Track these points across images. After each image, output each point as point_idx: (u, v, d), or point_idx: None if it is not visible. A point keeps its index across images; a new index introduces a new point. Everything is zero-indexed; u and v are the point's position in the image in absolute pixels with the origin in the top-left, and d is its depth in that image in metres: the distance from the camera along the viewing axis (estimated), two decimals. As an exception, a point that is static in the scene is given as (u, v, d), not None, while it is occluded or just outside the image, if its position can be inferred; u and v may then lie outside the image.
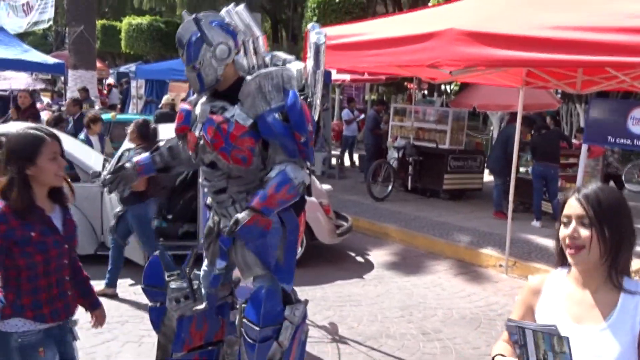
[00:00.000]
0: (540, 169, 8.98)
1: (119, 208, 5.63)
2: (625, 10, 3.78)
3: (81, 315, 2.72)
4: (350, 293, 6.07)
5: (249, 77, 3.14)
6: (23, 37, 17.36)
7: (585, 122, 5.23)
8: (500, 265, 7.09)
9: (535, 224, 8.93)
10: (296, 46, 19.54)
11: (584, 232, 1.80)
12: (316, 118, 3.36)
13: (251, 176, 3.16)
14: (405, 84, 20.20)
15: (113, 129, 10.06)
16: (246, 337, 3.15)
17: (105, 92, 20.86)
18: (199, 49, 3.04)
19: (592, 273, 1.84)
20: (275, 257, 3.22)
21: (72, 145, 6.70)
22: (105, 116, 9.71)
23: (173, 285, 3.50)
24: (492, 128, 15.70)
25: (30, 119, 8.64)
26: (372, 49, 4.49)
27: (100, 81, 20.49)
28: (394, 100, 19.18)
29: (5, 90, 13.63)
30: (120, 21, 26.43)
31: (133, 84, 16.91)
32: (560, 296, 1.90)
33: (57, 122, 8.37)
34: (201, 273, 3.60)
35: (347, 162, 14.56)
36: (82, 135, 8.24)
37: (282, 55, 3.37)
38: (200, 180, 3.46)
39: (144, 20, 24.06)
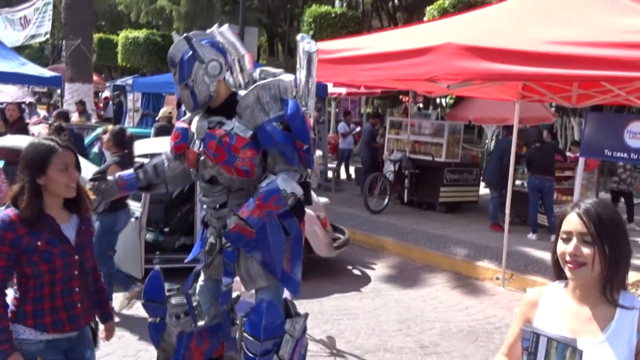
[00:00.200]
0: (535, 181, 9.02)
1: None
2: (620, 25, 3.84)
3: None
4: (348, 306, 6.06)
5: (242, 92, 3.19)
6: (20, 50, 17.35)
7: (581, 135, 5.27)
8: (497, 278, 7.10)
9: (532, 236, 8.96)
10: (292, 60, 19.60)
11: (586, 250, 1.80)
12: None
13: (252, 187, 3.17)
14: (401, 97, 20.29)
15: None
16: (246, 351, 3.15)
17: (101, 105, 20.87)
18: (191, 67, 3.07)
19: (590, 288, 1.85)
20: (281, 266, 3.24)
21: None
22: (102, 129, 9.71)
23: (173, 301, 3.49)
24: (487, 141, 15.79)
25: (18, 132, 8.62)
26: (370, 62, 4.53)
27: (96, 94, 20.50)
28: (390, 113, 19.26)
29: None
30: (117, 34, 26.50)
31: (130, 97, 16.93)
32: (557, 309, 1.90)
33: (59, 131, 8.35)
34: (197, 288, 3.60)
35: (343, 175, 14.58)
36: (95, 149, 8.22)
37: (271, 70, 3.41)
38: (198, 197, 3.45)
39: (141, 33, 24.13)
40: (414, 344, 5.18)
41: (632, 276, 6.76)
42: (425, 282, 7.11)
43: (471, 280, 7.25)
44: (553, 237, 1.93)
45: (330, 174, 13.59)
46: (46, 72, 13.48)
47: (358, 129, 15.60)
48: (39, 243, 2.37)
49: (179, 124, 3.38)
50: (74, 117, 12.52)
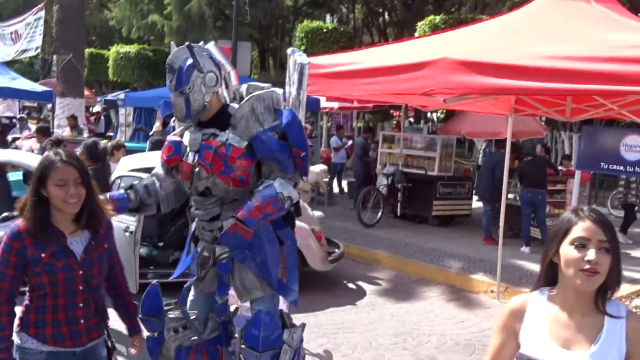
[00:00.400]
0: (528, 195, 9.07)
1: None
2: (613, 40, 3.92)
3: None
4: (344, 320, 6.05)
5: (234, 105, 3.27)
6: (9, 64, 17.32)
7: (578, 148, 5.34)
8: (492, 291, 7.12)
9: (525, 249, 9.00)
10: (284, 74, 19.64)
11: (606, 258, 1.79)
12: None
13: (247, 198, 3.20)
14: (391, 111, 20.41)
15: (107, 155, 10.04)
16: (245, 363, 3.14)
17: (93, 120, 20.83)
18: (190, 75, 3.13)
19: (585, 297, 1.83)
20: (277, 274, 3.27)
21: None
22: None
23: (171, 315, 3.49)
24: (479, 155, 15.89)
25: None
26: (366, 77, 4.57)
27: (87, 109, 20.46)
28: (380, 127, 19.36)
29: None
30: (108, 49, 26.51)
31: (121, 111, 16.93)
32: (544, 319, 1.87)
33: (57, 144, 8.32)
34: (188, 304, 3.59)
35: (335, 189, 14.59)
36: None
37: (258, 84, 3.46)
38: (191, 210, 3.44)
39: (132, 48, 24.17)
40: (411, 357, 5.17)
41: (626, 288, 6.83)
42: (420, 296, 7.12)
43: (466, 294, 7.26)
44: (551, 245, 1.87)
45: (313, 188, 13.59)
46: (38, 87, 13.50)
47: (350, 142, 15.66)
48: (42, 255, 2.38)
49: (171, 137, 3.40)
50: (66, 132, 12.51)
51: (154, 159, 5.82)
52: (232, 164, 3.10)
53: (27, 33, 17.23)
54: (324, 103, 14.20)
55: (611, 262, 1.79)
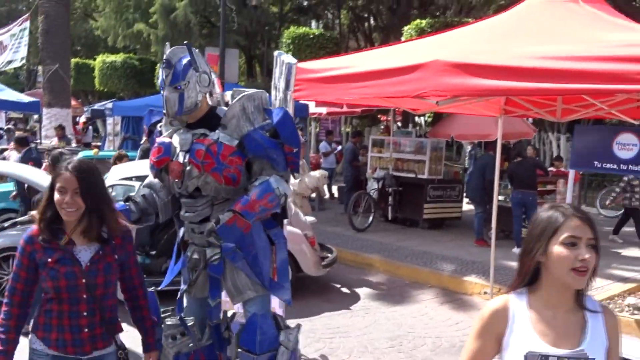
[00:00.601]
0: (519, 196, 9.12)
1: None
2: (603, 40, 3.95)
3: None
4: (339, 324, 6.04)
5: (223, 107, 3.32)
6: (-6, 76, 17.25)
7: (571, 148, 5.37)
8: (485, 293, 7.13)
9: (516, 250, 9.02)
10: (271, 81, 19.69)
11: (593, 255, 1.80)
12: None
13: (237, 197, 3.21)
14: (379, 116, 20.45)
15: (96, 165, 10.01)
16: (243, 366, 3.14)
17: (80, 130, 20.69)
18: (187, 71, 3.19)
19: (567, 294, 1.84)
20: (268, 274, 3.31)
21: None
22: (86, 153, 9.69)
23: (169, 322, 3.47)
24: (467, 158, 15.96)
25: None
26: (357, 81, 4.55)
27: (74, 119, 20.34)
28: (369, 132, 19.39)
29: None
30: (94, 59, 26.40)
31: (109, 120, 16.82)
32: (528, 319, 1.85)
33: (56, 161, 8.28)
34: (184, 310, 3.57)
35: (325, 194, 14.58)
36: None
37: (244, 90, 3.49)
38: (181, 213, 3.42)
39: (118, 57, 24.07)
40: (408, 360, 5.18)
41: (618, 287, 6.87)
42: (414, 299, 7.12)
43: (459, 296, 7.28)
44: (538, 245, 1.83)
45: (313, 193, 13.58)
46: (25, 98, 13.40)
47: (339, 147, 15.68)
48: (49, 259, 2.44)
49: (161, 139, 3.39)
50: (54, 142, 12.43)
51: (145, 167, 5.80)
52: (224, 161, 3.14)
53: (12, 44, 17.13)
54: (312, 109, 14.20)
55: (597, 258, 1.81)
